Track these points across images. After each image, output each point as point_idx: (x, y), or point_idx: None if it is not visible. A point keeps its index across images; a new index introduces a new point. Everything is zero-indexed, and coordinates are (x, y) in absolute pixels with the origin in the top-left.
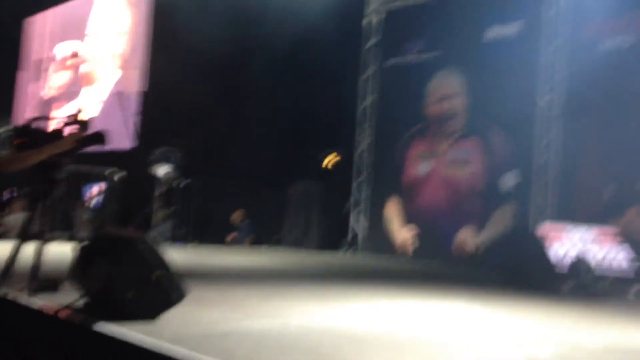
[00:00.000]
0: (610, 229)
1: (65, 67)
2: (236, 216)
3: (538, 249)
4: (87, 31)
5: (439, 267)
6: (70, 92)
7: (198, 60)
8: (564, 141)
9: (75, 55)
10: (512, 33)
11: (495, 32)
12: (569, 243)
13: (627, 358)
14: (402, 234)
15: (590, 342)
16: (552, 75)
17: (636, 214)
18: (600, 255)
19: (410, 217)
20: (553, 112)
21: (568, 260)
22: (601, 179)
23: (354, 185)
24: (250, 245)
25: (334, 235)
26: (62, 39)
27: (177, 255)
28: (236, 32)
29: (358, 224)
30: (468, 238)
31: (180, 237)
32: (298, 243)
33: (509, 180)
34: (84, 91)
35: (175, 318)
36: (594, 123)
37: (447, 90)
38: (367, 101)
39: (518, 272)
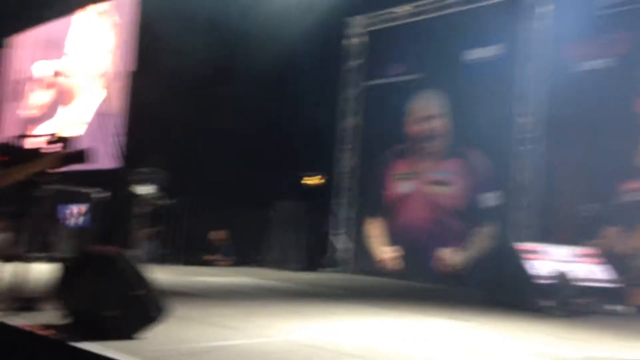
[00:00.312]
0: (589, 248)
1: (45, 87)
2: (218, 236)
3: (518, 267)
4: (66, 50)
5: (421, 285)
6: (50, 111)
7: (182, 80)
8: (543, 161)
9: (56, 74)
10: (492, 55)
11: (475, 54)
12: (549, 261)
13: None
14: (385, 253)
15: (572, 357)
16: (530, 97)
17: (616, 233)
18: (580, 273)
19: (392, 237)
20: (532, 133)
21: (548, 278)
22: (581, 198)
23: (334, 204)
24: (232, 265)
25: (315, 255)
26: (42, 59)
27: (161, 274)
28: (219, 53)
29: (339, 243)
30: (449, 257)
31: (164, 256)
32: (280, 263)
33: (489, 200)
34: (65, 110)
35: (157, 336)
36: (572, 143)
37: (428, 112)
38: (348, 121)
39: (499, 289)
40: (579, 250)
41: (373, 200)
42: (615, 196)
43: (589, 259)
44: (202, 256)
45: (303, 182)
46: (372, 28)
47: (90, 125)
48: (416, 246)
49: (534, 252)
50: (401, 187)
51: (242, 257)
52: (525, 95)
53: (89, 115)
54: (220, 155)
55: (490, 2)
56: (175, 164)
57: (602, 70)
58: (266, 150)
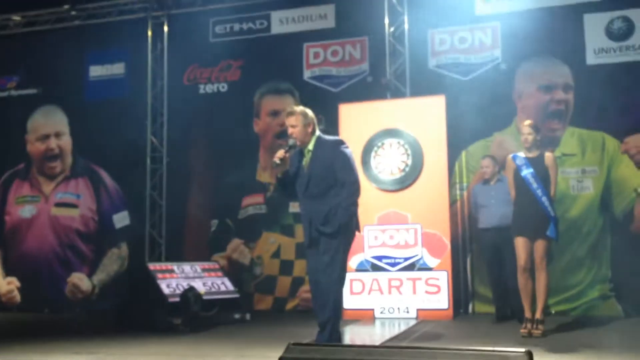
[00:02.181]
0: (211, 263)
1: None
2: None
3: (149, 287)
4: None
5: (51, 316)
6: None
7: None
8: (175, 179)
9: None
10: (117, 73)
11: (100, 71)
12: (177, 279)
13: None
14: (4, 286)
15: None
16: (160, 116)
17: (241, 245)
18: (206, 287)
19: (14, 266)
20: (162, 152)
21: (176, 296)
22: (211, 214)
23: None
24: None
25: None
26: None
27: None
28: None
29: None
30: (80, 282)
31: None
32: None
33: (120, 221)
34: None
35: None
36: (202, 161)
37: (50, 129)
38: None
39: (130, 311)
40: (202, 265)
41: None
42: (239, 210)
43: (212, 273)
44: None
45: None
46: None
47: None
48: (43, 274)
49: (164, 271)
50: (24, 210)
51: None
52: (155, 115)
53: None
54: None
55: (111, 19)
56: None
57: (221, 93)
58: None
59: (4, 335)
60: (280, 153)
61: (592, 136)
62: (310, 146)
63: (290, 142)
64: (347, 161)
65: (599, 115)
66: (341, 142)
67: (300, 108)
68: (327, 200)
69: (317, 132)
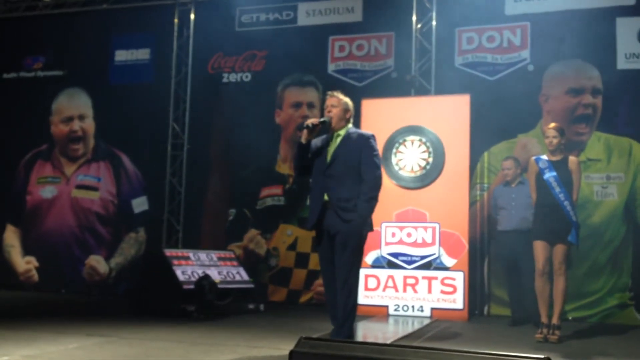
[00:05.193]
0: (227, 252)
1: None
2: None
3: (165, 273)
4: None
5: (69, 297)
6: None
7: None
8: (195, 167)
9: None
10: (143, 58)
11: (125, 55)
12: (193, 266)
13: None
14: (23, 265)
15: None
16: (183, 103)
17: (257, 235)
18: (221, 275)
19: (34, 246)
20: (184, 139)
21: (192, 283)
22: (228, 203)
23: None
24: None
25: None
26: None
27: None
28: None
29: None
30: (98, 265)
31: None
32: None
33: (139, 206)
34: None
35: None
36: (222, 151)
37: (74, 111)
38: None
39: (146, 296)
40: (218, 253)
41: (10, 206)
42: (257, 201)
43: (228, 262)
44: None
45: None
46: (8, 16)
47: None
48: (62, 254)
49: (179, 257)
50: (45, 191)
51: None
52: (178, 101)
53: None
54: None
55: (138, 4)
56: None
57: (244, 83)
58: None
59: (19, 314)
60: (315, 120)
61: (619, 142)
62: (342, 132)
63: (326, 118)
64: (374, 155)
65: (628, 121)
66: (372, 136)
67: (343, 95)
68: (347, 185)
69: (351, 124)
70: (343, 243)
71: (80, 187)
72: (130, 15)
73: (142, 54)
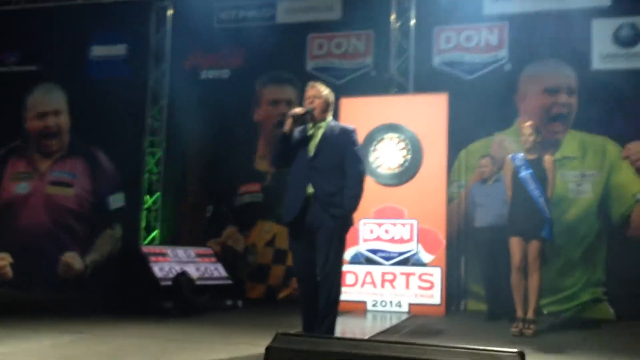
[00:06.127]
0: (205, 248)
1: None
2: None
3: (142, 270)
4: None
5: (42, 295)
6: None
7: None
8: (172, 163)
9: None
10: (119, 54)
11: (101, 51)
12: (170, 263)
13: None
14: None
15: None
16: (158, 98)
17: (235, 232)
18: (199, 272)
19: (8, 242)
20: (160, 135)
21: (169, 280)
22: (207, 200)
23: None
24: None
25: None
26: None
27: None
28: None
29: None
30: (73, 262)
31: None
32: None
33: (115, 202)
34: None
35: None
36: (200, 147)
37: (49, 107)
38: None
39: (123, 293)
40: (196, 250)
41: None
42: (236, 197)
43: (206, 258)
44: None
45: None
46: None
47: None
48: (36, 251)
49: (157, 254)
50: (19, 187)
51: None
52: (155, 98)
53: None
54: None
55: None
56: None
57: (222, 80)
58: None
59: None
60: (301, 109)
61: (594, 140)
62: (323, 124)
63: (309, 108)
64: (357, 149)
65: (602, 120)
66: (354, 130)
67: (325, 87)
68: (332, 179)
69: (331, 117)
70: (328, 238)
71: (54, 183)
72: (107, 11)
73: (118, 50)
